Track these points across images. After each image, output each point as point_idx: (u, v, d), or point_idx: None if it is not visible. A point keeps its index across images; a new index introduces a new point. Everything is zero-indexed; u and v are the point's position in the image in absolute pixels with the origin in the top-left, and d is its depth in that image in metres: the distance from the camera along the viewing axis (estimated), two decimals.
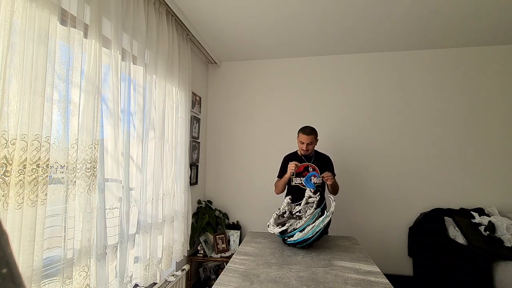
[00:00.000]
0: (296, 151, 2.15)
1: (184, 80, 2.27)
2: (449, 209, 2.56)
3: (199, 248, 2.67)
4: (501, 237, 2.09)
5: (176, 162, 2.14)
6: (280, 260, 1.41)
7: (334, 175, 2.06)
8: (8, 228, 0.89)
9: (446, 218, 2.46)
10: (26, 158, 0.95)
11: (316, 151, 2.12)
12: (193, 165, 2.71)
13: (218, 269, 2.77)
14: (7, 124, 0.91)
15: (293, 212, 1.72)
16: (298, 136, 2.02)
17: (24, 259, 0.93)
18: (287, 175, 1.96)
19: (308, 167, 2.02)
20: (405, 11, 2.11)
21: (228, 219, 3.00)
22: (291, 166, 1.89)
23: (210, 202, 3.00)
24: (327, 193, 2.06)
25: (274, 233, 1.59)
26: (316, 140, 2.02)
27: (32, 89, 0.97)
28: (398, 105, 2.80)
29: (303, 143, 1.97)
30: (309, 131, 1.96)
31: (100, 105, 1.30)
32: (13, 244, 0.91)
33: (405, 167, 2.74)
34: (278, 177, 2.17)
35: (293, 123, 2.83)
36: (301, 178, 1.99)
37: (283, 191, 2.12)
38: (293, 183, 2.03)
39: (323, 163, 2.06)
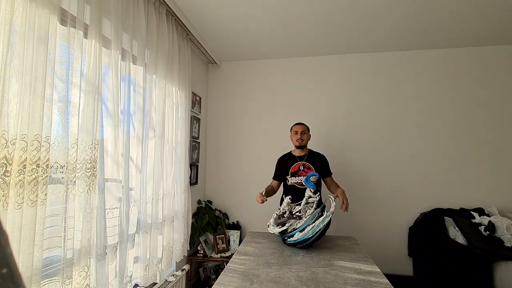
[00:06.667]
0: (290, 152, 2.18)
1: (184, 80, 2.27)
2: (449, 209, 2.56)
3: (199, 248, 2.67)
4: (501, 237, 2.09)
5: (176, 162, 2.14)
6: (280, 260, 1.41)
7: (330, 173, 2.11)
8: (8, 228, 0.89)
9: (446, 218, 2.46)
10: (26, 158, 0.95)
11: (310, 150, 2.15)
12: (193, 165, 2.71)
13: (218, 269, 2.77)
14: (7, 124, 0.91)
15: (293, 212, 1.72)
16: (291, 130, 2.14)
17: (24, 259, 0.93)
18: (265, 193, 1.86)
19: (301, 166, 2.04)
20: (405, 11, 2.11)
21: (228, 219, 3.00)
22: (258, 200, 1.78)
23: (210, 202, 3.00)
24: (327, 193, 2.06)
25: (274, 233, 1.59)
26: (309, 133, 2.13)
27: (32, 89, 0.97)
28: (398, 105, 2.80)
29: (297, 132, 2.07)
30: (301, 123, 2.15)
31: (100, 105, 1.30)
32: (13, 244, 0.91)
33: (405, 167, 2.74)
34: (273, 178, 2.18)
35: (293, 122, 2.82)
36: (296, 177, 2.02)
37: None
38: (289, 183, 2.05)
39: (317, 161, 2.08)
